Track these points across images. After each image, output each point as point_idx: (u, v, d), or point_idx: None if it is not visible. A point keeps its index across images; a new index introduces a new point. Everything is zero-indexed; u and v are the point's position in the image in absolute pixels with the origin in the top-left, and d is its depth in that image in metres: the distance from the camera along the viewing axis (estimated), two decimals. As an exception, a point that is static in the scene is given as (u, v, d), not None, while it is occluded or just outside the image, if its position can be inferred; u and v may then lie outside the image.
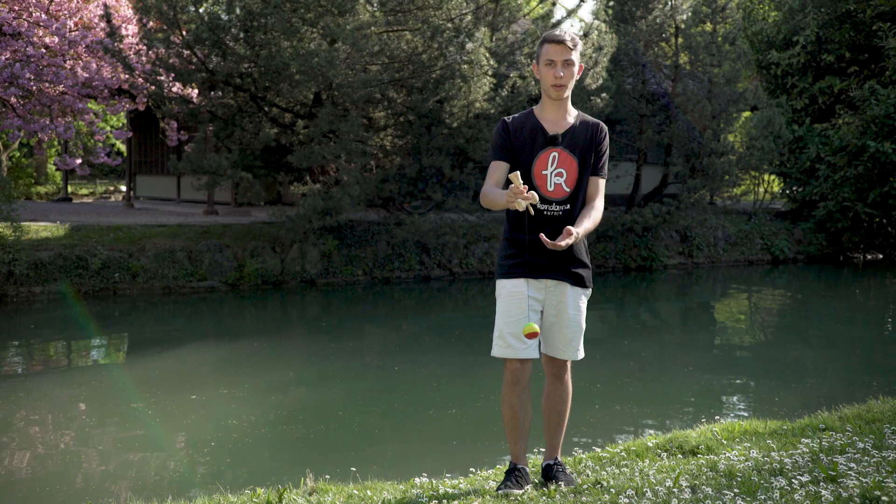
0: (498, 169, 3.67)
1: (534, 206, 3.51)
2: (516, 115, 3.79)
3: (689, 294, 15.17)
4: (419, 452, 5.78)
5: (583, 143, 3.69)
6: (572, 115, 3.75)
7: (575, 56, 3.61)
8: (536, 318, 3.65)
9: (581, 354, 3.74)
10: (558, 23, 15.10)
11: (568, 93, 3.67)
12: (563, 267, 3.67)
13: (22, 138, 20.70)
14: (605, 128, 3.77)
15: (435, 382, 7.99)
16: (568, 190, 3.66)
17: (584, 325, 3.73)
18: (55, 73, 13.50)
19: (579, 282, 3.70)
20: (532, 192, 3.37)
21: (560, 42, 3.58)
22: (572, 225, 3.59)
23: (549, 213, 3.66)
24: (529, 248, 3.64)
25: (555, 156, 3.66)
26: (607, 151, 3.77)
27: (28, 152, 26.92)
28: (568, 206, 3.67)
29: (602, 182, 3.75)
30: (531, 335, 3.38)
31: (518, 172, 3.34)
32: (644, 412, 6.91)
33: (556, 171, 3.66)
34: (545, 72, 3.63)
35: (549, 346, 3.74)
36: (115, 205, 21.36)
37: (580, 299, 3.72)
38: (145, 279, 12.51)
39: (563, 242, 3.42)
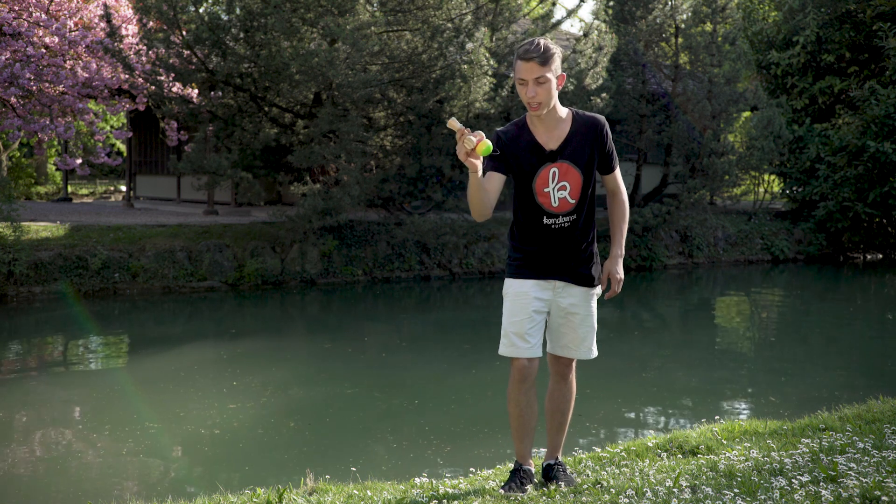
0: (489, 179, 3.53)
1: (546, 212, 3.56)
2: (509, 126, 3.63)
3: (689, 294, 15.16)
4: (419, 452, 5.77)
5: (584, 149, 3.57)
6: (566, 120, 3.58)
7: (549, 73, 3.39)
8: (541, 318, 3.65)
9: (594, 353, 3.75)
10: (558, 23, 15.08)
11: (550, 105, 3.49)
12: (570, 268, 3.67)
13: (22, 138, 20.73)
14: (604, 121, 3.61)
15: (435, 382, 7.99)
16: (573, 202, 3.60)
17: (595, 324, 3.73)
18: (55, 73, 13.50)
19: (588, 281, 3.71)
20: (479, 130, 3.28)
21: (529, 60, 3.37)
22: (582, 231, 3.65)
23: (556, 226, 3.62)
24: (537, 257, 3.64)
25: (555, 171, 3.56)
26: (612, 144, 3.66)
27: (28, 152, 26.94)
28: (575, 216, 3.63)
29: (618, 173, 3.70)
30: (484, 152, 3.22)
31: (454, 118, 3.32)
32: (644, 412, 6.91)
33: (558, 186, 3.57)
34: (519, 90, 3.46)
35: (558, 345, 3.74)
36: (115, 205, 21.36)
37: (590, 297, 3.73)
38: (145, 279, 12.51)
39: (618, 289, 3.66)
